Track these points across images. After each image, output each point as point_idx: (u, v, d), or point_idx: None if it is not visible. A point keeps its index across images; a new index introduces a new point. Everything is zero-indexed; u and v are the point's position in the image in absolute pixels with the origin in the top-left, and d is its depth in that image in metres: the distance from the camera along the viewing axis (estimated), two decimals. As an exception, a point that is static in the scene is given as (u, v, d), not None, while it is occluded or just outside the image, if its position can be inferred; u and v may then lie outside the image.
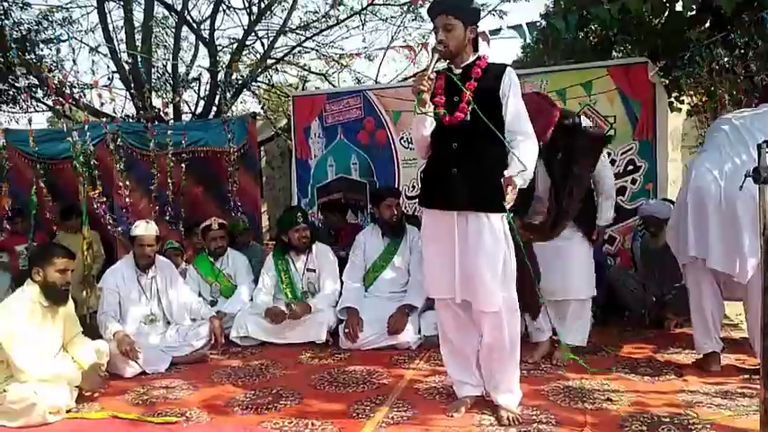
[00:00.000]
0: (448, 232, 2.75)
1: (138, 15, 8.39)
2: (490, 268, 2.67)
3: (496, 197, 2.61)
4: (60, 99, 6.95)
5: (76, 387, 3.24)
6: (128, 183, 5.40)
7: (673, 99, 5.33)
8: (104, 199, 5.14)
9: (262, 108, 10.21)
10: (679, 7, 4.67)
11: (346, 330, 4.17)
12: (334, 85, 9.42)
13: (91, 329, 3.93)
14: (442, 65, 2.83)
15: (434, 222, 2.83)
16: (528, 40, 6.61)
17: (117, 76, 7.47)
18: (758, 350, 2.97)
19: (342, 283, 4.59)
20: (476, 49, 2.79)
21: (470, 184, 2.67)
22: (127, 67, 7.29)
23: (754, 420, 2.46)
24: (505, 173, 2.57)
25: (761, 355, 2.43)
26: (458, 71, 2.75)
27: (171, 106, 7.38)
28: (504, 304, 2.71)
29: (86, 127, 5.31)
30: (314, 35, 9.94)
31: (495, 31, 4.97)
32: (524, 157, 2.62)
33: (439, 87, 2.74)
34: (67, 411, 3.10)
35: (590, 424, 2.72)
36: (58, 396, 3.06)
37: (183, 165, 5.79)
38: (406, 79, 8.92)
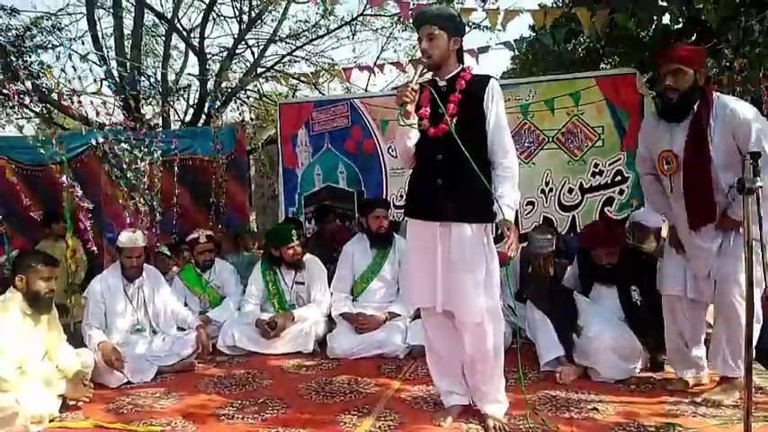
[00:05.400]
0: (431, 242, 2.75)
1: (128, 23, 8.39)
2: (472, 278, 2.68)
3: (480, 208, 2.65)
4: (48, 105, 6.92)
5: (60, 396, 3.21)
6: (117, 191, 5.36)
7: (660, 110, 5.36)
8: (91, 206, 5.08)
9: (253, 117, 10.20)
10: (666, 20, 4.75)
11: (356, 326, 4.24)
12: (323, 94, 9.44)
13: (75, 338, 3.90)
14: (429, 76, 2.85)
15: (418, 232, 2.84)
16: (516, 52, 6.70)
17: (106, 83, 7.44)
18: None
19: (331, 294, 4.58)
20: (460, 61, 2.81)
21: (454, 195, 2.69)
22: (116, 74, 7.27)
23: (738, 430, 2.47)
24: (500, 219, 2.61)
25: (744, 367, 2.45)
26: (442, 83, 2.77)
27: (160, 115, 7.37)
28: (486, 315, 2.71)
29: (66, 135, 5.28)
30: (304, 44, 9.97)
31: (484, 49, 5.01)
32: (510, 197, 2.66)
33: (424, 99, 2.75)
34: (50, 421, 3.07)
35: (576, 433, 2.73)
36: (40, 405, 3.03)
37: (173, 173, 5.75)
38: (394, 88, 8.94)
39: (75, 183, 4.94)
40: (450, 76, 2.77)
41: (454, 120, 2.67)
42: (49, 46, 8.03)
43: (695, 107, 2.92)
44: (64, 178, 4.90)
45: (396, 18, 9.56)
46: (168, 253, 5.28)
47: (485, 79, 2.77)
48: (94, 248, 4.99)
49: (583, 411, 2.98)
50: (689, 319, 3.18)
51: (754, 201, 2.30)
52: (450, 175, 2.71)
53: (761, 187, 2.28)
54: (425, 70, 2.75)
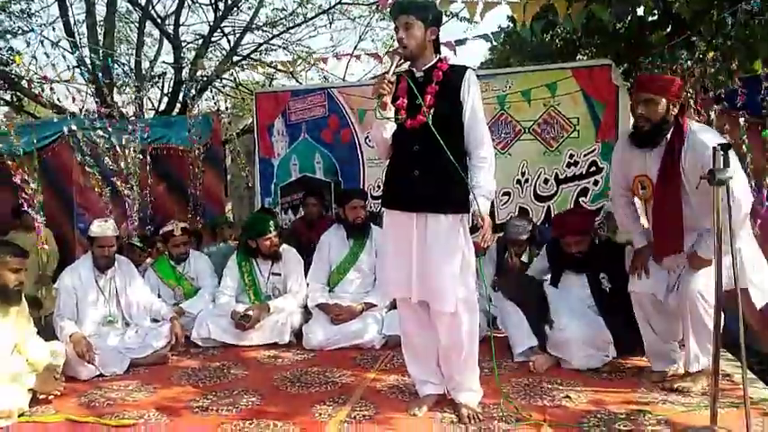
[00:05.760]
0: (407, 232, 2.76)
1: (101, 9, 8.23)
2: (448, 269, 2.69)
3: (456, 198, 2.66)
4: (18, 93, 6.76)
5: (30, 390, 3.16)
6: (92, 180, 5.26)
7: (635, 101, 5.41)
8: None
9: (229, 106, 10.08)
10: (641, 12, 4.79)
11: (332, 316, 4.22)
12: (300, 83, 9.36)
13: (47, 331, 3.84)
14: (406, 67, 2.83)
15: (394, 223, 2.84)
16: (495, 43, 6.69)
17: (78, 71, 7.30)
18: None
19: (308, 285, 4.56)
20: (437, 52, 2.81)
21: (431, 185, 2.69)
22: (88, 62, 7.13)
23: (705, 416, 2.52)
24: (475, 210, 2.61)
25: (712, 356, 2.50)
26: (419, 74, 2.76)
27: (134, 103, 7.24)
28: (461, 305, 2.73)
29: (36, 124, 5.17)
30: (281, 33, 9.87)
31: (461, 41, 5.01)
32: (485, 187, 2.67)
33: (402, 89, 2.74)
34: (20, 415, 3.02)
35: (549, 421, 2.75)
36: (9, 400, 2.97)
37: (148, 162, 5.67)
38: (373, 78, 8.90)
39: (30, 179, 4.79)
40: (426, 66, 2.76)
41: (431, 111, 2.67)
42: (19, 32, 7.86)
43: (668, 135, 2.94)
44: (18, 179, 4.75)
45: (374, 7, 9.49)
46: (140, 245, 5.21)
47: (461, 70, 2.77)
48: (45, 246, 4.89)
49: (555, 399, 3.01)
50: (659, 314, 3.22)
51: (724, 192, 2.34)
52: (426, 165, 2.71)
53: (731, 178, 2.32)
54: (402, 60, 2.73)
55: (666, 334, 3.24)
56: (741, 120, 3.61)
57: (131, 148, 5.48)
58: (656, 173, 2.99)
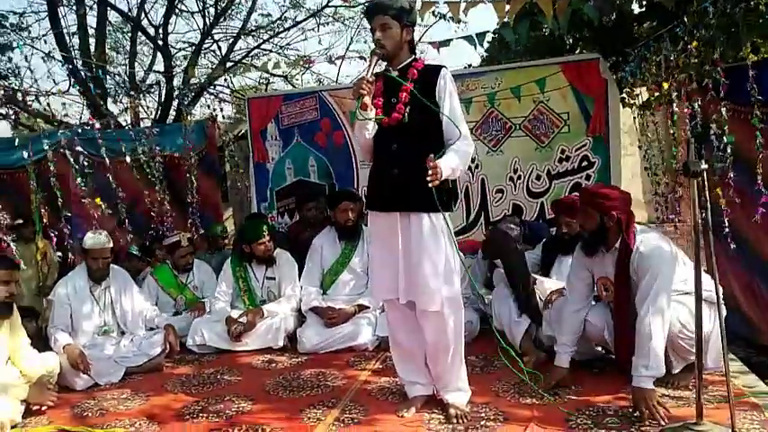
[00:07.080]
0: (391, 233, 2.76)
1: (93, 21, 8.27)
2: (431, 268, 2.69)
3: (437, 197, 2.66)
4: (14, 107, 6.77)
5: (23, 402, 3.18)
6: (84, 191, 5.28)
7: (624, 95, 5.39)
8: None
9: (227, 114, 10.09)
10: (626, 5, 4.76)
11: (326, 319, 4.22)
12: (294, 86, 9.37)
13: (47, 340, 3.87)
14: (383, 66, 2.85)
15: (379, 224, 2.85)
16: (479, 51, 6.67)
17: (72, 81, 7.33)
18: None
19: (301, 288, 4.57)
20: (413, 52, 2.82)
21: (411, 184, 2.69)
22: (82, 73, 7.17)
23: (693, 409, 2.52)
24: (432, 156, 2.55)
25: (695, 352, 2.50)
26: (395, 73, 2.77)
27: (129, 112, 7.28)
28: (446, 303, 2.73)
29: (41, 135, 5.20)
30: (271, 37, 9.90)
31: (446, 42, 5.00)
32: (451, 160, 2.63)
33: (378, 89, 2.76)
34: (13, 427, 3.04)
35: (536, 418, 2.75)
36: (2, 411, 2.99)
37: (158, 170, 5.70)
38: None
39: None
40: (402, 65, 2.78)
41: (407, 108, 2.68)
42: (14, 45, 7.90)
43: (617, 245, 2.97)
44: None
45: (363, 8, 9.49)
46: (139, 254, 5.24)
47: (436, 68, 2.78)
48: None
49: (543, 397, 3.00)
50: None
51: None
52: (405, 164, 2.72)
53: (705, 170, 2.31)
54: (379, 61, 2.75)
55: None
56: (723, 110, 3.58)
57: (144, 152, 5.53)
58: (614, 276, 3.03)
